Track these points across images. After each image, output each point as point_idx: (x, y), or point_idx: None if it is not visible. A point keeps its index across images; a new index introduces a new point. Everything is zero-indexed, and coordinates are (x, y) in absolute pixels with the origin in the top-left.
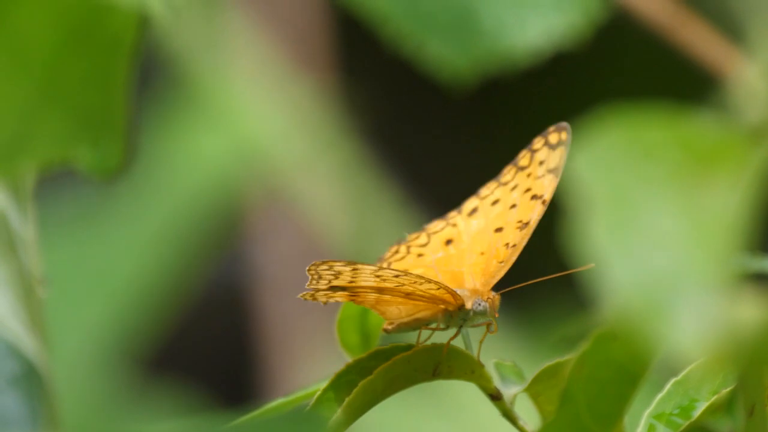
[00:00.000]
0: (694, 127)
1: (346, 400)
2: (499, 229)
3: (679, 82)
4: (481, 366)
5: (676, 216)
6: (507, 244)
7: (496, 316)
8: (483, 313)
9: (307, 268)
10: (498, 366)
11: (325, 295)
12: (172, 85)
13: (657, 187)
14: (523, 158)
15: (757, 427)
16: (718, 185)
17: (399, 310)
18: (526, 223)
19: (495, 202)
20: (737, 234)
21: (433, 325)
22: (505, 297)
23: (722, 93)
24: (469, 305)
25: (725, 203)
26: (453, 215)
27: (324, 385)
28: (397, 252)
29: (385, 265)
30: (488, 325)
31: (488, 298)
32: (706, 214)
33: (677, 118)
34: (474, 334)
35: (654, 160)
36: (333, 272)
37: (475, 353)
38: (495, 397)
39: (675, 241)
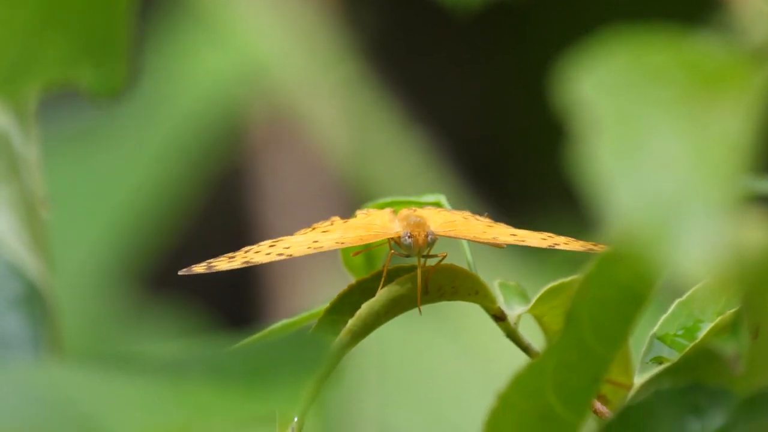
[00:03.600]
0: (699, 49)
1: (349, 321)
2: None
3: (682, 3)
4: (486, 286)
5: (681, 138)
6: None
7: (424, 252)
8: (409, 247)
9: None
10: (502, 287)
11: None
12: (174, 3)
13: (662, 109)
14: None
15: (761, 349)
16: (723, 107)
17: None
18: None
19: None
20: (742, 156)
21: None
22: (510, 217)
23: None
24: (400, 237)
25: (730, 125)
26: None
27: (327, 306)
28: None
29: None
30: (443, 257)
31: (413, 235)
32: (711, 136)
33: (682, 41)
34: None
35: (659, 83)
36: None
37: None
38: (499, 317)
39: (680, 163)
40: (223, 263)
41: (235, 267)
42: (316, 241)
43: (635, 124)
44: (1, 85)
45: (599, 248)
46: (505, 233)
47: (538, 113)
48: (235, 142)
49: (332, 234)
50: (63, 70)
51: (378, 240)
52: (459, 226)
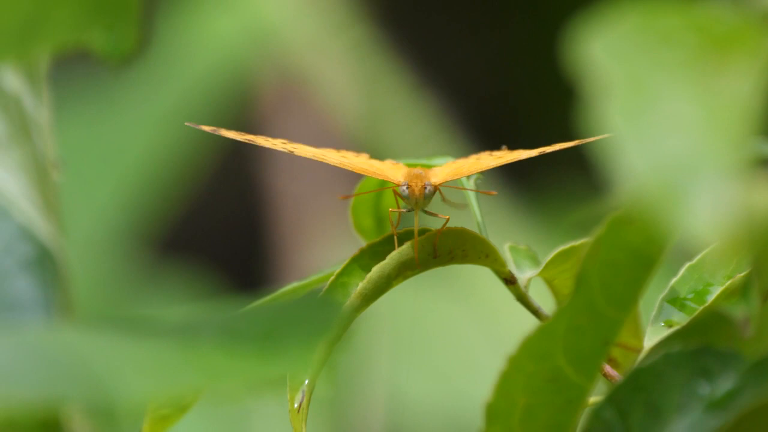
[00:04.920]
0: (710, 12)
1: (360, 284)
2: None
3: None
4: (496, 250)
5: (692, 101)
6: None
7: (424, 206)
8: (408, 198)
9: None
10: (512, 250)
11: None
12: None
13: (673, 72)
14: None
15: None
16: (734, 70)
17: None
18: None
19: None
20: (753, 119)
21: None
22: (520, 181)
23: None
24: (400, 185)
25: (741, 88)
26: None
27: (338, 269)
28: None
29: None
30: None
31: (410, 185)
32: (721, 100)
33: (692, 4)
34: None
35: (670, 46)
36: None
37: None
38: (509, 281)
39: (691, 126)
40: (229, 133)
41: (237, 138)
42: (323, 153)
43: (646, 87)
44: (13, 48)
45: (586, 140)
46: (492, 159)
47: (548, 76)
48: (246, 105)
49: (340, 154)
50: (74, 32)
51: (378, 180)
52: (464, 169)
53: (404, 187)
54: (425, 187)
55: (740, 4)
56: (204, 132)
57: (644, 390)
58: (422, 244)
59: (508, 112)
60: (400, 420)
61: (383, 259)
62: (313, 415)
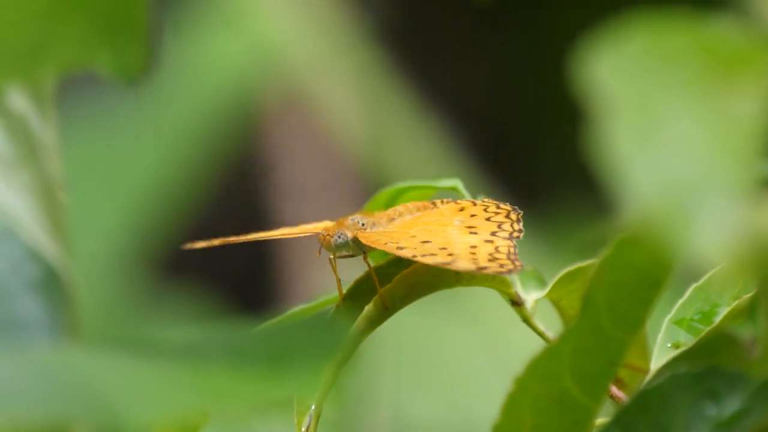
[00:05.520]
0: (716, 32)
1: (366, 307)
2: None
3: None
4: None
5: (698, 122)
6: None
7: (339, 253)
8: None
9: None
10: None
11: None
12: None
13: (679, 93)
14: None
15: None
16: (741, 91)
17: None
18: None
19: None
20: (760, 140)
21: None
22: (527, 202)
23: None
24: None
25: (748, 109)
26: None
27: (345, 292)
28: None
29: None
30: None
31: (319, 236)
32: (728, 120)
33: (699, 24)
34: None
35: (676, 67)
36: None
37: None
38: (516, 302)
39: (698, 147)
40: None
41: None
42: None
43: (652, 107)
44: (20, 68)
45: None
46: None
47: (553, 97)
48: (250, 127)
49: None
50: (81, 53)
51: (303, 235)
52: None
53: (338, 236)
54: (336, 237)
55: (747, 24)
56: (208, 152)
57: (651, 411)
58: (429, 266)
59: (513, 133)
60: None
61: (389, 281)
62: None
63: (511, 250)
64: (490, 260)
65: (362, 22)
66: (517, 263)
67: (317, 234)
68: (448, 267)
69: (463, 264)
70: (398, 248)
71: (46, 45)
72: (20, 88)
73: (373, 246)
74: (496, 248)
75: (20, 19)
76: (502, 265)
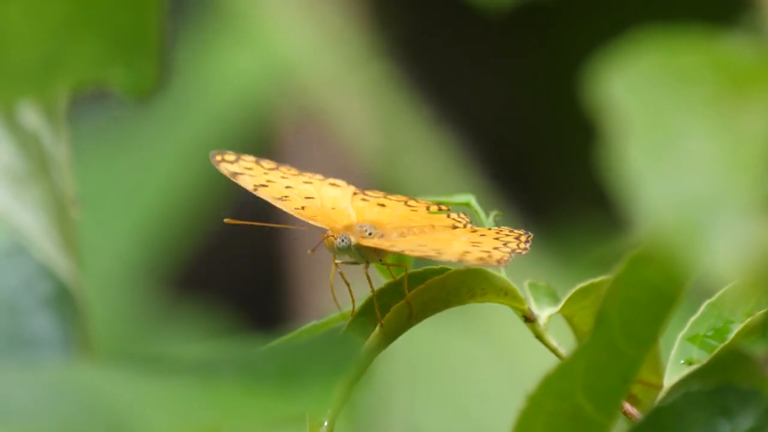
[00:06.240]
0: (729, 50)
1: (379, 324)
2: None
3: (713, 4)
4: (515, 288)
5: (711, 139)
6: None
7: (341, 256)
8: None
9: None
10: (532, 287)
11: None
12: (204, 4)
13: (692, 110)
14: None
15: None
16: (753, 108)
17: None
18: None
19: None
20: None
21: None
22: (540, 218)
23: (756, 15)
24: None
25: (760, 126)
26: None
27: (357, 308)
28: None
29: None
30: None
31: (323, 235)
32: (741, 137)
33: (711, 41)
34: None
35: (689, 84)
36: None
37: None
38: (528, 319)
39: (710, 164)
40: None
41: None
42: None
43: (666, 124)
44: (32, 84)
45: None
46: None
47: (566, 113)
48: (264, 142)
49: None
50: (93, 69)
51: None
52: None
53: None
54: (339, 240)
55: (759, 41)
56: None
57: (664, 428)
58: (443, 282)
59: (526, 149)
60: None
61: (402, 297)
62: None
63: (505, 257)
64: (477, 255)
65: (376, 37)
66: (503, 258)
67: (321, 233)
68: (435, 258)
69: (447, 256)
70: (391, 246)
71: (59, 61)
72: (33, 104)
73: (373, 247)
74: (489, 254)
75: (33, 35)
76: (484, 257)
